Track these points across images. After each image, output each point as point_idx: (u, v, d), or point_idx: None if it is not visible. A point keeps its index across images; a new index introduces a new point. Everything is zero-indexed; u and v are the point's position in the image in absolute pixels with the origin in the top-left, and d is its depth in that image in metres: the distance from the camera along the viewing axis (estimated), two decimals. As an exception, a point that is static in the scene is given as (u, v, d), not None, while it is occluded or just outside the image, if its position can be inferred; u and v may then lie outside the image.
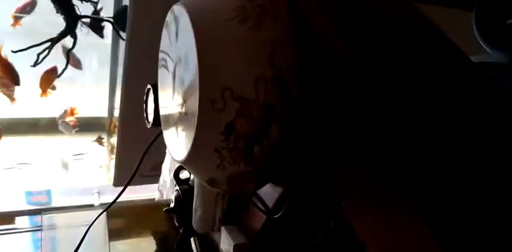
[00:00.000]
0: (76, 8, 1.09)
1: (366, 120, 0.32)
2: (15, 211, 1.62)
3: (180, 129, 0.36)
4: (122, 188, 1.46)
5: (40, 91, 1.25)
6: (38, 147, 1.49)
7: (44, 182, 1.60)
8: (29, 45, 1.05)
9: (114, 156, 1.48)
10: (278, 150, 0.32)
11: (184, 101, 0.34)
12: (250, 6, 0.31)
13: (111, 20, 1.16)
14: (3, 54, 1.13)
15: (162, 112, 0.44)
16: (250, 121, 0.30)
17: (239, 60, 0.30)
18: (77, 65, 1.25)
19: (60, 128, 1.34)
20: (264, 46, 0.30)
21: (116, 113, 1.48)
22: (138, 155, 1.31)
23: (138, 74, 1.09)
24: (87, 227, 0.55)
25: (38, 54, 1.07)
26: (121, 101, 1.17)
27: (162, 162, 0.99)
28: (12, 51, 1.06)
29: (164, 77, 0.41)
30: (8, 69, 1.13)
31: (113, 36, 1.32)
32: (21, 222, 1.73)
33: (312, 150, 0.34)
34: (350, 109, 0.32)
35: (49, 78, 1.20)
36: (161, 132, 0.72)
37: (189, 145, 0.33)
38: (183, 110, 0.34)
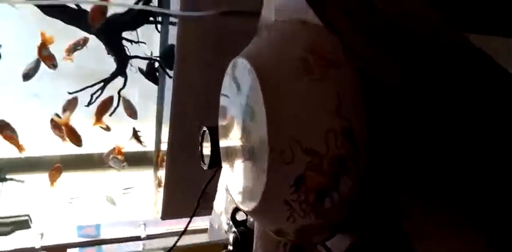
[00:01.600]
0: (126, 49, 1.15)
1: (435, 160, 0.31)
2: (67, 243, 1.67)
3: (246, 178, 0.36)
4: (168, 221, 1.47)
5: (94, 120, 1.29)
6: (87, 182, 1.54)
7: (93, 215, 1.64)
8: (84, 87, 1.11)
9: (160, 190, 1.51)
10: (349, 202, 0.31)
11: (252, 151, 0.34)
12: (313, 58, 0.32)
13: (158, 59, 1.22)
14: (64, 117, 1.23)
15: (224, 157, 0.44)
16: (321, 174, 0.30)
17: (307, 113, 0.30)
18: (133, 115, 1.31)
19: (110, 163, 1.38)
20: (331, 98, 0.30)
21: (163, 146, 1.52)
22: (185, 189, 1.33)
23: (186, 111, 1.12)
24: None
25: (92, 95, 1.13)
26: (169, 136, 1.20)
27: (213, 195, 0.99)
28: (69, 93, 1.13)
29: (226, 122, 0.42)
30: (72, 133, 1.26)
31: (159, 73, 1.38)
32: (72, 253, 1.78)
33: (383, 198, 0.33)
34: (419, 151, 0.31)
35: (104, 108, 1.25)
36: (215, 173, 0.73)
37: (258, 197, 0.33)
38: (251, 159, 0.35)
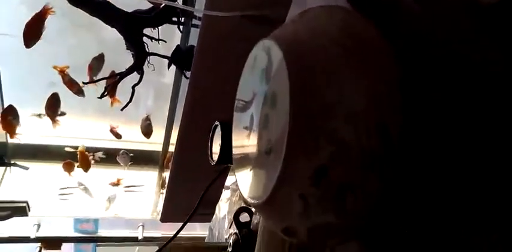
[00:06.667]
0: (146, 46, 1.14)
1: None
2: (63, 237, 1.64)
3: (258, 169, 0.34)
4: (166, 224, 1.43)
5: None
6: (92, 176, 1.52)
7: (92, 211, 1.62)
8: (99, 78, 1.10)
9: (163, 191, 1.48)
10: (373, 204, 0.28)
11: (269, 140, 0.32)
12: (349, 41, 0.30)
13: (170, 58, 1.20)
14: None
15: (236, 150, 0.42)
16: (346, 167, 0.27)
17: (336, 99, 0.28)
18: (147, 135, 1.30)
19: (118, 159, 1.37)
20: (365, 86, 0.28)
21: (171, 148, 1.50)
22: (188, 192, 1.30)
23: (198, 112, 1.11)
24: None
25: (106, 87, 1.12)
26: (178, 137, 1.18)
27: (214, 201, 0.96)
28: (83, 83, 1.12)
29: (243, 113, 0.39)
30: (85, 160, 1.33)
31: (175, 73, 1.37)
32: (67, 248, 1.76)
33: (409, 208, 0.30)
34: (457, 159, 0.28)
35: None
36: (221, 173, 0.70)
37: (270, 188, 0.30)
38: (266, 149, 0.32)
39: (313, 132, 0.27)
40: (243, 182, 0.38)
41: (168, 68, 1.18)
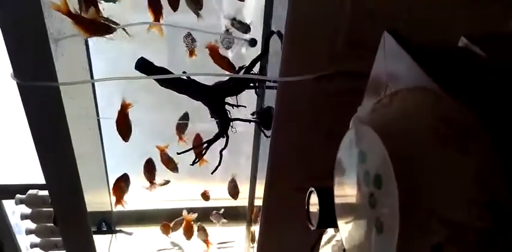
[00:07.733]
0: (228, 113, 1.24)
1: None
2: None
3: (370, 246, 0.37)
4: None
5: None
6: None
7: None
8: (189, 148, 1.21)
9: (253, 245, 1.51)
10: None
11: (378, 219, 0.35)
12: (445, 127, 0.33)
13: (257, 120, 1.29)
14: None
15: (342, 222, 0.45)
16: (464, 248, 0.29)
17: (443, 183, 0.31)
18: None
19: (212, 217, 1.44)
20: (469, 166, 0.31)
21: (257, 202, 1.55)
22: (279, 247, 1.31)
23: (283, 170, 1.16)
24: None
25: (197, 155, 1.22)
26: (264, 195, 1.23)
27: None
28: (178, 153, 1.23)
29: (345, 187, 0.43)
30: (189, 228, 1.42)
31: (254, 132, 1.46)
32: None
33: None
34: None
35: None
36: (320, 237, 0.72)
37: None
38: (377, 227, 0.35)
39: (425, 215, 0.30)
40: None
41: (250, 122, 1.27)
